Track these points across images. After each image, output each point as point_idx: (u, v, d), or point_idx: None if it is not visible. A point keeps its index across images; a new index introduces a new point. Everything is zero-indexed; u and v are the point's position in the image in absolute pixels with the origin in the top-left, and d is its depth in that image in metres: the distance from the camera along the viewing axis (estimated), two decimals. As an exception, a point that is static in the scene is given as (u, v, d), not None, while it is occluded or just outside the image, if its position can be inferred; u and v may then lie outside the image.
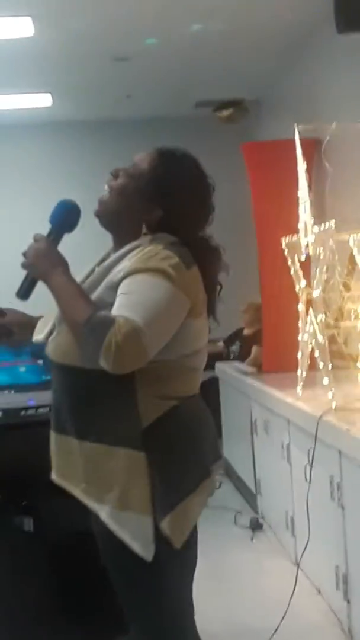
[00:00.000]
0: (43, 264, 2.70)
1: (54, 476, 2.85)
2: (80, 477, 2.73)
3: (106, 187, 2.89)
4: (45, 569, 3.64)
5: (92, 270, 2.89)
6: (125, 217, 2.83)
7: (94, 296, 2.67)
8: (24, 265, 2.74)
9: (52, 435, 2.84)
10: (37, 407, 3.68)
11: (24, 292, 2.76)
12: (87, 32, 7.21)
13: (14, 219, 10.19)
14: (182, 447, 2.71)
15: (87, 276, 2.87)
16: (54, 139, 10.36)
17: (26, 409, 3.68)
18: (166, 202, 2.79)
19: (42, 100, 9.32)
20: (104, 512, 2.66)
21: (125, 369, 2.52)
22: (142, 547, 2.61)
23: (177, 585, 2.77)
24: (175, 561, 2.70)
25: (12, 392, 3.76)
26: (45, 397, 3.61)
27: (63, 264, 2.71)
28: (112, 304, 2.59)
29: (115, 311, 2.53)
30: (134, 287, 2.59)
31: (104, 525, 2.67)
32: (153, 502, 2.62)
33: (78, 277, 2.82)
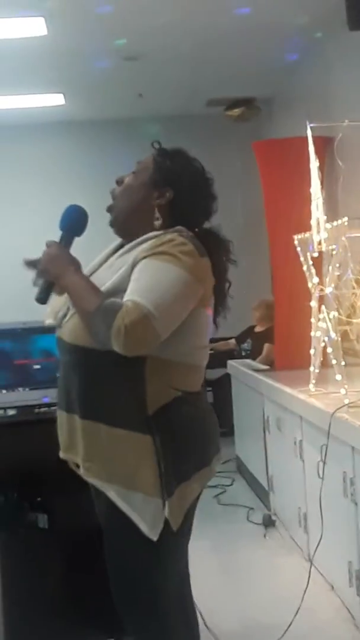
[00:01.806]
0: (55, 267, 2.80)
1: (61, 453, 2.96)
2: (85, 456, 2.82)
3: (111, 195, 3.03)
4: (60, 565, 3.66)
5: (102, 261, 2.99)
6: (136, 212, 2.93)
7: (109, 284, 2.74)
8: (39, 271, 2.85)
9: (60, 414, 2.93)
10: (51, 404, 3.70)
11: (42, 296, 2.86)
12: (98, 31, 7.22)
13: (27, 217, 10.22)
14: (185, 435, 2.79)
15: (98, 266, 2.97)
16: (66, 138, 10.38)
17: (40, 406, 3.71)
18: (175, 182, 2.91)
19: (55, 100, 9.34)
20: (112, 491, 2.76)
21: (136, 351, 2.61)
22: (150, 527, 2.72)
23: (173, 566, 2.90)
24: (173, 542, 2.80)
25: (27, 389, 3.77)
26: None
27: (74, 264, 2.81)
28: (122, 291, 2.68)
29: (126, 297, 2.62)
30: (144, 272, 2.68)
31: (107, 504, 2.78)
32: (161, 485, 2.72)
33: (88, 269, 2.94)
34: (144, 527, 2.71)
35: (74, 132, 10.33)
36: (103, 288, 2.72)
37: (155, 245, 2.73)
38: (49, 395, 3.72)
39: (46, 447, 3.42)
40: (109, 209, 3.01)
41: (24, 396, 3.75)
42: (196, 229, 2.89)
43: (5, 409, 3.71)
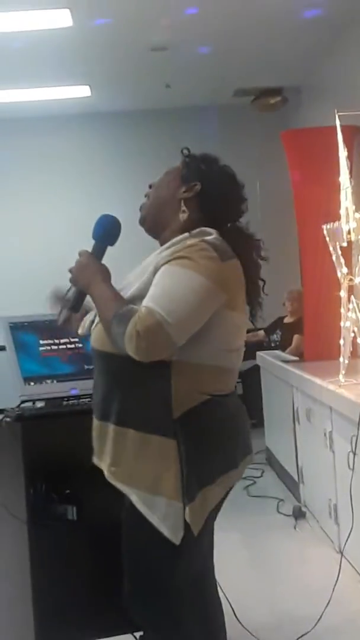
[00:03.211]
0: (84, 276, 2.89)
1: (94, 459, 2.96)
2: (112, 461, 2.85)
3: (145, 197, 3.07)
4: (88, 557, 3.66)
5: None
6: (166, 207, 2.97)
7: (132, 290, 2.78)
8: (70, 280, 2.94)
9: (93, 421, 2.95)
10: (79, 397, 3.70)
11: (73, 304, 2.97)
12: (125, 22, 7.20)
13: (55, 209, 10.25)
14: (211, 440, 2.80)
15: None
16: (92, 130, 10.38)
17: (68, 398, 3.70)
18: (203, 177, 2.95)
19: (81, 91, 9.34)
20: (134, 495, 2.78)
21: (150, 356, 2.62)
22: (171, 531, 2.73)
23: (191, 567, 2.89)
24: (193, 545, 2.79)
25: (55, 381, 3.77)
26: (87, 385, 3.62)
27: (102, 273, 2.87)
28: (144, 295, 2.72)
29: (143, 303, 2.64)
30: (162, 278, 2.70)
31: (131, 508, 2.80)
32: (182, 489, 2.72)
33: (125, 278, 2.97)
34: (165, 531, 2.73)
35: (100, 124, 10.32)
36: (128, 294, 2.77)
37: (177, 250, 2.74)
38: (77, 387, 3.71)
39: (74, 439, 3.42)
40: (141, 208, 3.05)
41: (52, 388, 3.74)
42: (224, 228, 2.89)
43: (33, 401, 3.71)
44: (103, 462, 2.89)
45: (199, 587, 3.00)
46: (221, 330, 2.78)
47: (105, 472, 2.87)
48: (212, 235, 2.78)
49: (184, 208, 2.92)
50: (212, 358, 2.79)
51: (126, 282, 2.89)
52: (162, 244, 2.92)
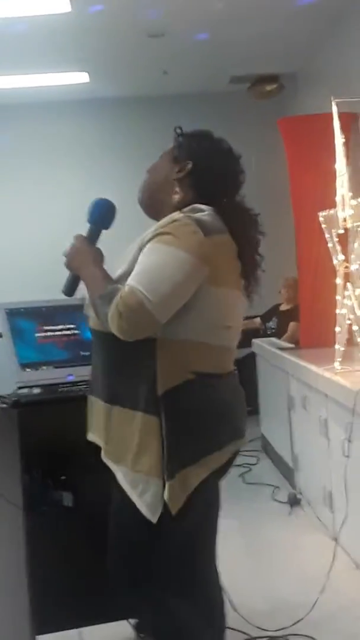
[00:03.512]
0: (77, 260, 2.92)
1: (88, 434, 3.02)
2: (103, 438, 2.90)
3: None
4: (84, 543, 3.67)
5: None
6: (160, 188, 2.99)
7: (120, 270, 2.81)
8: (65, 265, 2.96)
9: (89, 397, 3.02)
10: (76, 383, 3.70)
11: (68, 289, 2.99)
12: (122, 8, 7.18)
13: (52, 195, 10.23)
14: (194, 419, 2.79)
15: None
16: (91, 116, 10.36)
17: (64, 384, 3.70)
18: (194, 155, 2.95)
19: (79, 78, 9.31)
20: (119, 473, 2.82)
21: (133, 335, 2.66)
22: (149, 509, 2.75)
23: (174, 549, 2.88)
24: (177, 525, 2.78)
25: (51, 368, 3.78)
26: (84, 372, 3.63)
27: (93, 255, 2.91)
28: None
29: (127, 282, 2.67)
30: (144, 256, 2.72)
31: (118, 487, 2.83)
32: (162, 466, 2.73)
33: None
34: (143, 509, 2.75)
35: (99, 110, 10.30)
36: (115, 275, 2.80)
37: (160, 226, 2.76)
38: (73, 374, 3.72)
39: (71, 425, 3.43)
40: (139, 189, 3.07)
41: (49, 374, 3.75)
42: (219, 204, 2.87)
43: (30, 387, 3.71)
44: (97, 437, 2.94)
45: (188, 567, 2.98)
46: (205, 306, 2.77)
47: (102, 451, 2.91)
48: (204, 211, 2.79)
49: (176, 189, 2.93)
50: (198, 335, 2.79)
51: (118, 263, 2.89)
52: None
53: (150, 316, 2.60)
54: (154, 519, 2.73)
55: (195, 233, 2.70)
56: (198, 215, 2.76)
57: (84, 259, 2.89)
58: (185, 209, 2.80)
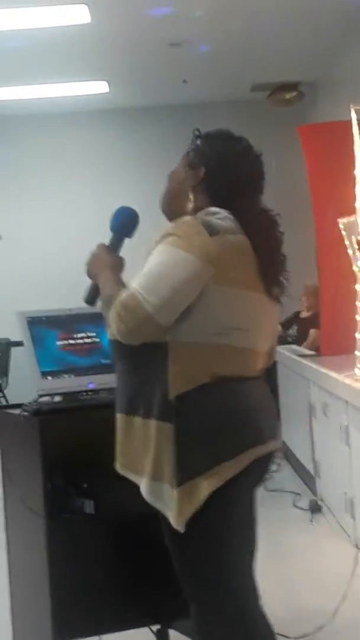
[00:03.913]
0: (95, 270, 2.92)
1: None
2: (120, 451, 2.86)
3: None
4: (106, 551, 3.68)
5: None
6: (178, 195, 2.94)
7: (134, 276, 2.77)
8: (87, 274, 2.95)
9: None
10: (97, 390, 3.70)
11: (90, 298, 2.97)
12: (142, 18, 7.21)
13: (73, 205, 10.27)
14: (204, 425, 2.69)
15: None
16: (110, 126, 10.41)
17: (86, 392, 3.71)
18: (207, 159, 2.89)
19: (99, 87, 9.35)
20: (142, 484, 2.77)
21: (134, 338, 2.64)
22: (173, 517, 2.68)
23: (198, 566, 2.78)
24: (188, 536, 2.69)
25: (72, 376, 3.78)
26: (105, 380, 3.65)
27: (112, 263, 2.89)
28: None
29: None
30: (150, 259, 2.69)
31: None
32: (175, 473, 2.66)
33: None
34: (170, 518, 2.69)
35: (118, 120, 10.36)
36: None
37: (166, 229, 2.74)
38: (94, 382, 3.73)
39: (92, 433, 3.44)
40: (160, 197, 3.03)
41: (70, 382, 3.75)
42: (236, 206, 2.80)
43: (51, 395, 3.72)
44: (117, 452, 2.88)
45: (214, 585, 2.80)
46: (212, 305, 2.68)
47: (117, 464, 2.87)
48: (216, 214, 2.73)
49: (191, 197, 2.88)
50: (210, 336, 2.69)
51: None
52: None
53: (150, 318, 2.57)
54: (181, 528, 2.66)
55: (200, 233, 2.65)
56: (207, 217, 2.72)
57: (102, 266, 2.88)
58: (199, 213, 2.77)
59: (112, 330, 2.66)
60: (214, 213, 2.75)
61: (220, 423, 2.71)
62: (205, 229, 2.67)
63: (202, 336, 2.69)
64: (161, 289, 2.59)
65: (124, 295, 2.61)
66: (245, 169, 2.91)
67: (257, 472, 2.86)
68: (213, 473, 2.67)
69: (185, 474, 2.66)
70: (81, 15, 6.95)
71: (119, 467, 2.87)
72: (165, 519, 2.73)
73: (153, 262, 2.66)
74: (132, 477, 2.82)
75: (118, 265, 2.89)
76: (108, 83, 9.27)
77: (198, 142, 2.97)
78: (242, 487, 2.78)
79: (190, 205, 2.86)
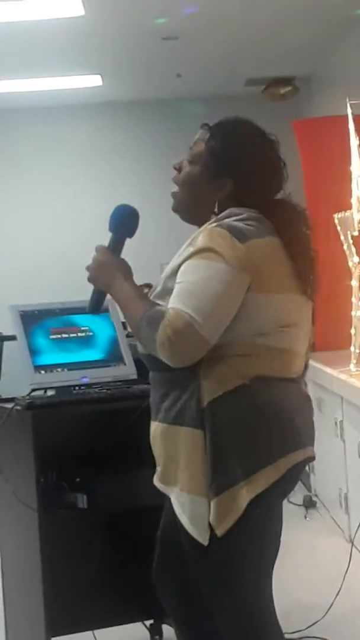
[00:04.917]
0: (104, 275, 2.72)
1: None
2: (157, 460, 2.73)
3: (174, 182, 2.86)
4: (99, 545, 3.67)
5: None
6: (198, 204, 2.79)
7: (159, 287, 2.66)
8: (89, 280, 2.76)
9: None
10: (90, 385, 3.68)
11: (93, 306, 2.80)
12: (136, 11, 7.18)
13: (66, 199, 10.25)
14: (239, 430, 2.56)
15: None
16: (104, 120, 10.37)
17: (79, 386, 3.69)
18: (233, 170, 2.73)
19: (92, 81, 9.33)
20: (172, 495, 2.65)
21: (185, 361, 2.50)
22: (198, 531, 2.56)
23: (238, 576, 2.65)
24: (224, 548, 2.57)
25: (65, 370, 3.76)
26: (98, 374, 3.63)
27: (123, 270, 2.71)
28: (169, 292, 2.58)
29: (169, 303, 2.51)
30: (184, 275, 2.55)
31: (171, 511, 2.67)
32: (208, 484, 2.54)
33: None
34: (192, 531, 2.57)
35: (112, 114, 10.32)
36: (159, 289, 2.66)
37: (195, 241, 2.60)
38: (87, 376, 3.71)
39: (85, 427, 3.43)
40: (173, 195, 2.85)
41: (63, 376, 3.73)
42: (262, 205, 2.70)
43: (44, 389, 3.71)
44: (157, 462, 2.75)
45: (242, 605, 2.70)
46: (248, 314, 2.56)
47: (155, 477, 2.74)
48: (241, 215, 2.62)
49: (216, 209, 2.73)
50: (247, 342, 2.57)
51: (162, 277, 2.73)
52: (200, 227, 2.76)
53: (201, 338, 2.45)
54: (204, 541, 2.54)
55: (231, 242, 2.53)
56: (233, 222, 2.60)
57: (112, 274, 2.70)
58: (221, 216, 2.66)
59: (157, 352, 2.50)
60: (238, 215, 2.64)
61: (255, 426, 2.57)
62: (234, 236, 2.55)
63: (235, 347, 2.58)
64: (208, 306, 2.47)
65: (170, 316, 2.46)
66: (276, 172, 2.81)
67: (293, 478, 2.69)
68: (252, 480, 2.53)
69: (221, 484, 2.53)
70: (75, 8, 6.91)
71: (155, 479, 2.74)
72: (187, 534, 2.60)
73: (191, 279, 2.52)
74: (162, 487, 2.71)
75: (128, 271, 2.72)
76: (102, 76, 9.23)
77: (212, 142, 2.78)
78: (279, 495, 2.69)
79: (215, 210, 2.73)
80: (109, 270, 2.72)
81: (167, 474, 2.66)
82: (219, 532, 2.52)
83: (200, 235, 2.60)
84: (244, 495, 2.52)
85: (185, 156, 2.85)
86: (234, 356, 2.56)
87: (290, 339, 2.67)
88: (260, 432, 2.57)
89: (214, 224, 2.61)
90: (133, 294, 2.64)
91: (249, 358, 2.59)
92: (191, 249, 2.58)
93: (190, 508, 2.58)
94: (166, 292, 2.60)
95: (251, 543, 2.63)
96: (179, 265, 2.59)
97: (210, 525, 2.53)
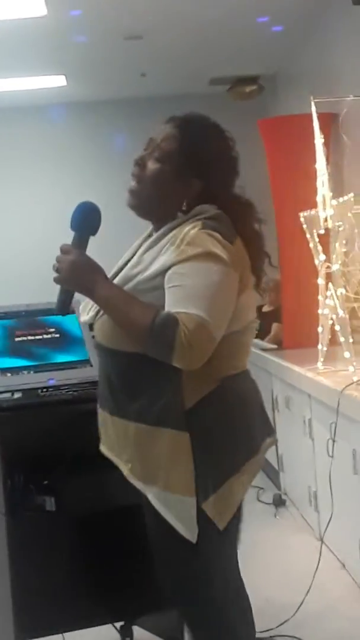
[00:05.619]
0: (81, 278, 2.65)
1: (101, 448, 2.87)
2: (129, 457, 2.73)
3: (133, 177, 2.82)
4: (67, 548, 3.65)
5: (129, 258, 2.85)
6: (165, 202, 2.79)
7: (130, 286, 2.64)
8: (58, 281, 2.68)
9: (102, 413, 2.84)
10: (57, 387, 3.66)
11: (62, 306, 2.74)
12: (99, 10, 7.16)
13: (29, 200, 10.21)
14: (226, 427, 2.67)
15: (125, 264, 2.83)
16: (69, 120, 10.34)
17: (45, 388, 3.67)
18: (203, 170, 2.75)
19: (56, 81, 9.29)
20: (150, 494, 2.67)
21: (199, 364, 2.49)
22: (186, 529, 2.61)
23: (223, 564, 2.79)
24: (220, 541, 2.70)
25: (32, 372, 3.74)
26: (65, 376, 3.61)
27: (100, 272, 2.66)
28: (148, 291, 2.59)
29: (172, 307, 2.49)
30: (186, 277, 2.53)
31: (149, 508, 2.69)
32: (197, 483, 2.60)
33: (116, 266, 2.85)
34: (181, 530, 2.61)
35: (76, 113, 10.29)
36: (131, 286, 2.63)
37: (185, 245, 2.57)
38: (54, 377, 3.69)
39: (52, 429, 3.41)
40: (131, 192, 2.81)
41: (29, 379, 3.70)
42: (221, 200, 2.73)
43: (11, 392, 3.68)
44: (119, 458, 2.78)
45: (231, 584, 2.87)
46: (233, 314, 2.62)
47: (124, 471, 2.76)
48: (210, 213, 2.65)
49: (184, 208, 2.76)
50: (224, 341, 2.58)
51: (117, 270, 2.78)
52: (155, 225, 2.80)
53: (213, 338, 2.48)
54: (193, 539, 2.61)
55: (225, 244, 2.57)
56: (216, 223, 2.62)
57: (92, 277, 2.64)
58: (192, 214, 2.69)
59: (175, 360, 2.46)
60: (209, 213, 2.66)
61: (238, 423, 2.72)
62: (226, 238, 2.60)
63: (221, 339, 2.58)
64: (219, 310, 2.51)
65: (185, 321, 2.43)
66: (233, 164, 2.85)
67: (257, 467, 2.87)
68: (244, 471, 2.70)
69: (215, 480, 2.62)
70: (37, 7, 6.87)
71: (128, 475, 2.75)
72: (171, 530, 2.64)
73: (195, 283, 2.51)
74: (140, 486, 2.72)
75: (103, 272, 2.67)
76: (66, 77, 9.20)
77: (184, 144, 2.78)
78: (247, 485, 2.80)
79: (184, 209, 2.77)
80: (84, 271, 2.65)
81: (144, 472, 2.69)
82: (221, 525, 2.64)
83: (189, 238, 2.59)
84: (241, 484, 2.70)
85: (148, 150, 2.83)
86: (211, 358, 2.54)
87: (252, 333, 2.82)
88: (242, 428, 2.72)
89: (199, 225, 2.61)
90: (124, 298, 2.60)
91: (222, 358, 2.63)
92: (176, 252, 2.58)
93: (178, 507, 2.62)
94: (142, 292, 2.60)
95: (225, 536, 2.74)
96: (169, 267, 2.57)
97: (199, 522, 2.61)
